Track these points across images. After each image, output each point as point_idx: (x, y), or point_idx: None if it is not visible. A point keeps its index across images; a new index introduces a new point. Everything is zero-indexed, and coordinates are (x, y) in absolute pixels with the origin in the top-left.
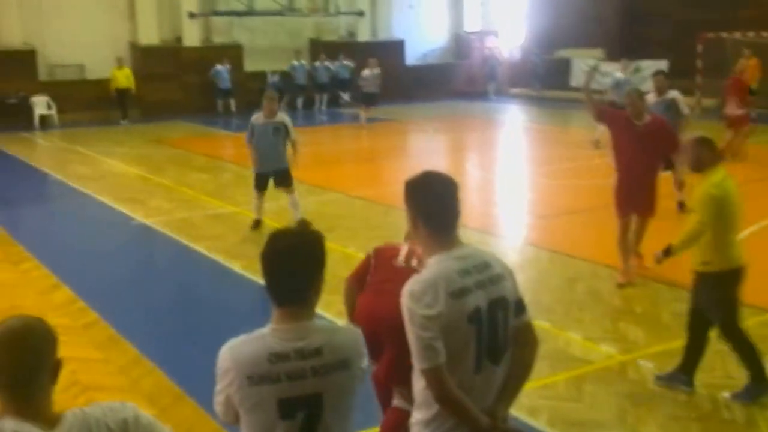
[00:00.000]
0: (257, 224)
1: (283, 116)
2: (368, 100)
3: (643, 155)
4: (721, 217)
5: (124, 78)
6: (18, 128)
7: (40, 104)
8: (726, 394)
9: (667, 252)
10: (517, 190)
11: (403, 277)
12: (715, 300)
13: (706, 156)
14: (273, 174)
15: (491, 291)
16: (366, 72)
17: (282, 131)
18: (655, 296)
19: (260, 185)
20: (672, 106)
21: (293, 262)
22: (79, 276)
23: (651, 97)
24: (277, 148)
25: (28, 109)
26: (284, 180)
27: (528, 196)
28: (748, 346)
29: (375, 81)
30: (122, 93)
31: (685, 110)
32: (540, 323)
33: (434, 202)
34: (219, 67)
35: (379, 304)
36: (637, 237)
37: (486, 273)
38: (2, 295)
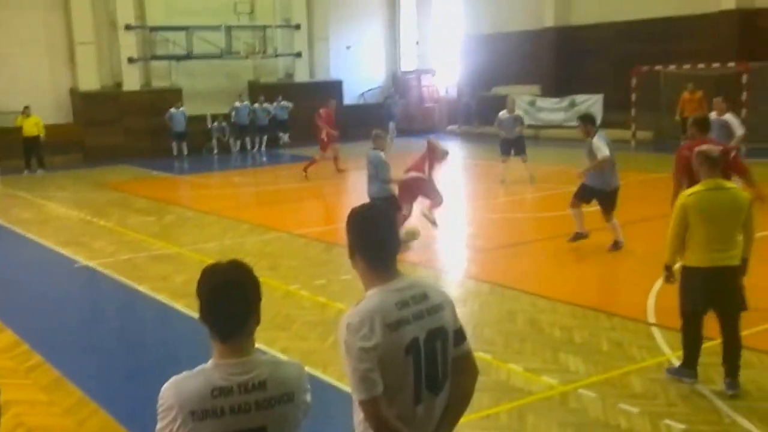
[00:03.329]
0: None
1: None
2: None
3: None
4: (692, 221)
5: (33, 126)
6: None
7: None
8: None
9: (667, 267)
10: (457, 224)
11: None
12: (681, 289)
13: (703, 168)
14: None
15: (429, 321)
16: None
17: None
18: (593, 326)
19: None
20: (724, 127)
21: (233, 296)
22: (23, 319)
23: (712, 115)
24: None
25: None
26: None
27: (468, 230)
28: (692, 337)
29: None
30: (31, 141)
31: (739, 130)
32: (481, 355)
33: (372, 235)
34: (173, 110)
35: None
36: None
37: (424, 304)
38: None
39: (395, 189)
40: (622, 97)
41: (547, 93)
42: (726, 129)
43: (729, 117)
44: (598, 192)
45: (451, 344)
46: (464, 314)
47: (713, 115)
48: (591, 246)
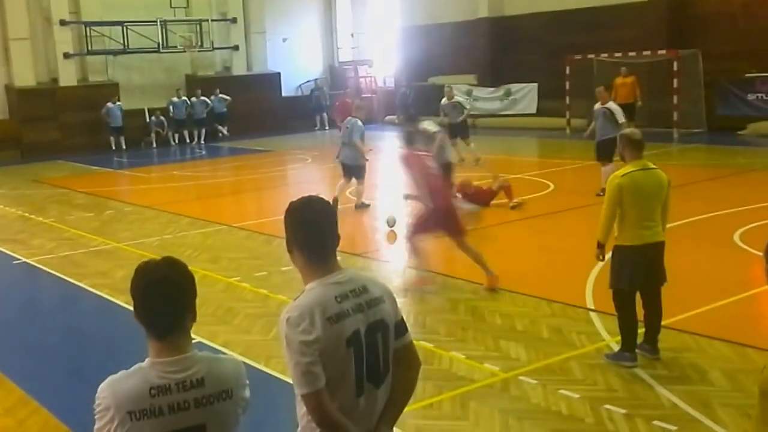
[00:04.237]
0: None
1: None
2: None
3: None
4: (625, 201)
5: None
6: None
7: None
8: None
9: (599, 245)
10: (397, 214)
11: None
12: (615, 268)
13: (626, 151)
14: None
15: (370, 314)
16: None
17: None
18: (534, 313)
19: None
20: (608, 115)
21: (168, 293)
22: None
23: (596, 106)
24: None
25: None
26: None
27: (408, 220)
28: (629, 318)
29: None
30: None
31: (621, 119)
32: (424, 344)
33: (309, 228)
34: (110, 105)
35: None
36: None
37: (364, 296)
38: None
39: (364, 159)
40: (556, 85)
41: (483, 82)
42: (610, 117)
43: (612, 105)
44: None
45: (392, 336)
46: (406, 304)
47: (597, 104)
48: (531, 233)
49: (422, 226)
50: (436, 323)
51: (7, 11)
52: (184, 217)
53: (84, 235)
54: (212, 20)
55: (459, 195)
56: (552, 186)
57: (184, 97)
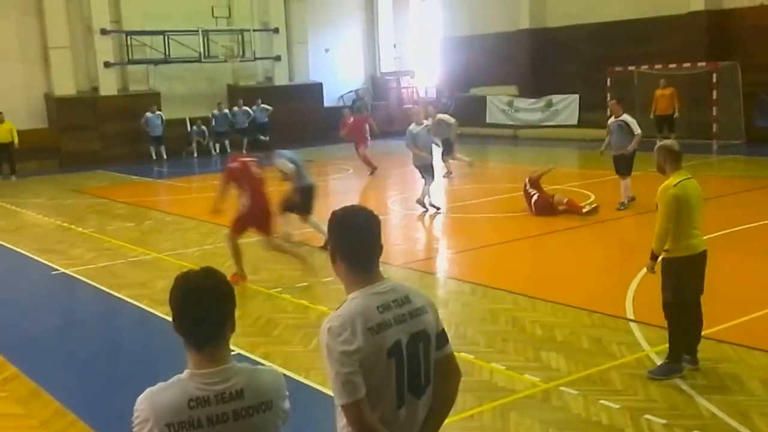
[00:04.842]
0: None
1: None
2: None
3: None
4: (681, 211)
5: (6, 132)
6: None
7: None
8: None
9: (653, 257)
10: (437, 225)
11: None
12: (672, 281)
13: (667, 162)
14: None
15: (411, 325)
16: None
17: None
18: (574, 323)
19: None
20: (623, 127)
21: (207, 303)
22: None
23: (610, 119)
24: None
25: None
26: None
27: (448, 231)
28: (680, 330)
29: None
30: (3, 148)
31: (637, 130)
32: (464, 355)
33: (352, 237)
34: (150, 114)
35: None
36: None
37: (406, 307)
38: None
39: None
40: (597, 96)
41: (524, 93)
42: (626, 129)
43: (627, 117)
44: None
45: (434, 347)
46: (446, 315)
47: (611, 118)
48: (571, 243)
49: (239, 224)
50: (477, 334)
51: (47, 19)
52: (224, 227)
53: (124, 246)
54: (254, 30)
55: (531, 190)
56: (593, 197)
57: (226, 110)
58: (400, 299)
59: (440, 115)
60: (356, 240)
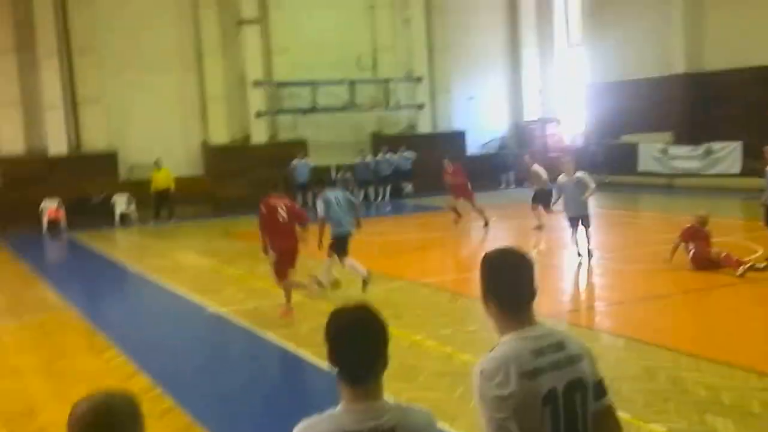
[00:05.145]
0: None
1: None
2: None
3: None
4: None
5: (164, 179)
6: (100, 225)
7: (121, 202)
8: None
9: None
10: (589, 275)
11: None
12: None
13: None
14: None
15: (567, 372)
16: None
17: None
18: (743, 386)
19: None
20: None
21: (364, 338)
22: (157, 363)
23: (562, 178)
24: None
25: (110, 207)
26: None
27: (600, 282)
28: None
29: None
30: (162, 193)
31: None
32: (620, 414)
33: (506, 280)
34: (296, 161)
35: None
36: None
37: (561, 353)
38: (84, 383)
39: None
40: (762, 143)
41: (680, 140)
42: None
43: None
44: None
45: (591, 397)
46: (599, 369)
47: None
48: (733, 300)
49: (279, 271)
50: (633, 392)
51: (206, 73)
52: (370, 271)
53: (272, 288)
54: (399, 80)
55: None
56: (761, 251)
57: (369, 158)
58: (555, 344)
59: (535, 167)
60: (508, 281)
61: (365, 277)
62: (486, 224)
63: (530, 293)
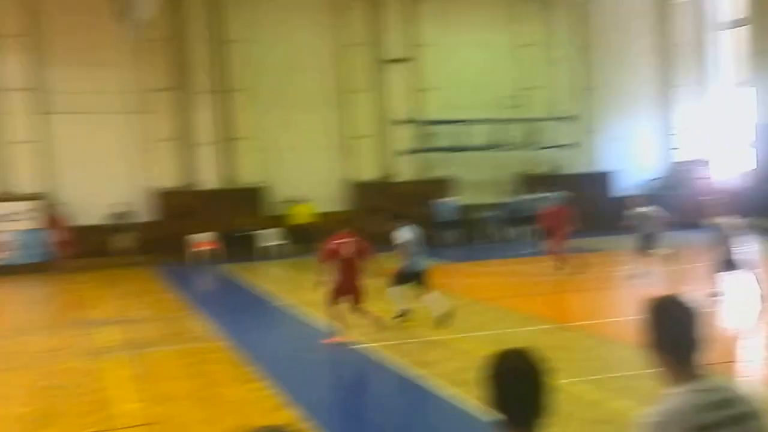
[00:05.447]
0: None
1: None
2: None
3: None
4: None
5: (305, 214)
6: (249, 257)
7: (267, 236)
8: None
9: None
10: (761, 325)
11: None
12: None
13: None
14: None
15: (735, 431)
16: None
17: None
18: None
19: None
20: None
21: (533, 381)
22: (305, 395)
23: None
24: None
25: (257, 240)
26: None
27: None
28: None
29: None
30: (302, 228)
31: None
32: None
33: (669, 328)
34: (443, 200)
35: None
36: None
37: (732, 410)
38: (231, 413)
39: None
40: None
41: None
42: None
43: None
44: None
45: None
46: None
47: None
48: None
49: (333, 296)
50: None
51: (357, 113)
52: (513, 312)
53: (418, 326)
54: (547, 119)
55: None
56: None
57: (517, 197)
58: (723, 401)
59: (640, 209)
60: (674, 330)
61: (440, 314)
62: (561, 269)
63: (696, 344)
